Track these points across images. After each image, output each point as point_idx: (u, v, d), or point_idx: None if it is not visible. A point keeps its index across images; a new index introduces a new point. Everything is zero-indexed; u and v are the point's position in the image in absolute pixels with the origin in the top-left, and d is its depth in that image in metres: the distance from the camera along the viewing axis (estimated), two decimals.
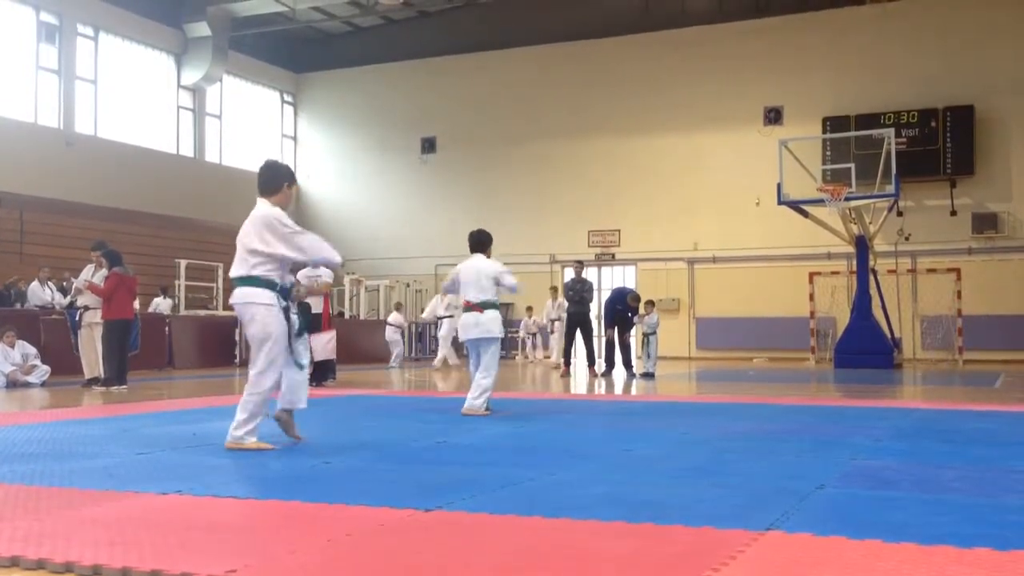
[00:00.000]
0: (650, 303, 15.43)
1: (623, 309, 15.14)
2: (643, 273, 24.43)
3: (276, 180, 5.49)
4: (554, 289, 20.73)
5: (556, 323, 19.59)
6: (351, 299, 25.46)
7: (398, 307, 21.80)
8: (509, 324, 26.22)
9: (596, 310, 17.46)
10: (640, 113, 25.51)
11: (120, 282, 11.12)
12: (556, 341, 19.87)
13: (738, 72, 24.60)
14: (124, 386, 11.02)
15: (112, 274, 11.14)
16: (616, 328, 15.23)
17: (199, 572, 2.57)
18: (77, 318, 11.93)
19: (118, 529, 3.14)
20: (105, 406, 8.84)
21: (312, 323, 11.61)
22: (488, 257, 8.07)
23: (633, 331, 15.59)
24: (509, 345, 26.06)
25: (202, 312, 20.05)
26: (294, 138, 29.87)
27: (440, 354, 19.03)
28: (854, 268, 18.43)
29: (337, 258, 5.49)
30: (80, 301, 11.96)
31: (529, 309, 23.53)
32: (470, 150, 27.37)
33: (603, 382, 13.73)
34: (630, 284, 23.11)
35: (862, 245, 17.60)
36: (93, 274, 11.63)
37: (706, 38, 24.89)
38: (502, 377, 15.60)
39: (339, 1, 25.17)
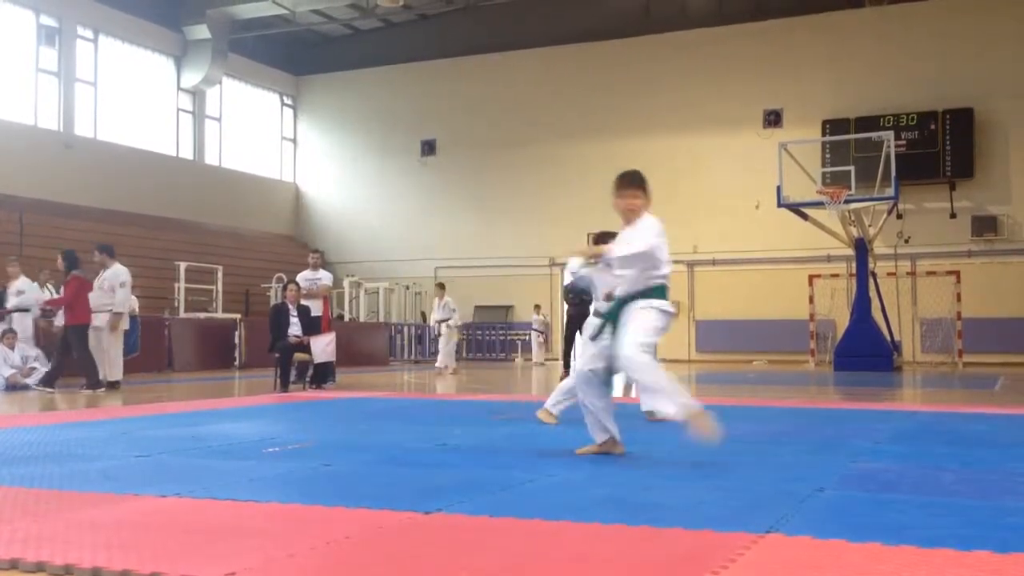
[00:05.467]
0: None
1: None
2: None
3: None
4: (440, 287, 18.57)
5: (442, 325, 17.67)
6: (351, 302, 25.45)
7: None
8: (509, 326, 26.39)
9: None
10: (640, 115, 25.52)
11: (81, 287, 10.86)
12: (443, 345, 17.69)
13: (738, 74, 24.62)
14: (100, 388, 10.90)
15: (72, 278, 10.85)
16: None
17: (198, 575, 2.57)
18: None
19: (117, 532, 3.14)
20: (104, 409, 8.83)
21: (312, 326, 11.65)
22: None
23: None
24: (509, 348, 26.11)
25: (202, 315, 20.03)
26: (294, 140, 29.89)
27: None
28: (854, 271, 18.43)
29: None
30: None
31: (537, 307, 23.60)
32: (470, 153, 27.38)
33: None
34: None
35: (862, 248, 17.61)
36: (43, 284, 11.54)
37: (706, 40, 24.91)
38: (500, 380, 15.62)
39: (339, 4, 25.20)
